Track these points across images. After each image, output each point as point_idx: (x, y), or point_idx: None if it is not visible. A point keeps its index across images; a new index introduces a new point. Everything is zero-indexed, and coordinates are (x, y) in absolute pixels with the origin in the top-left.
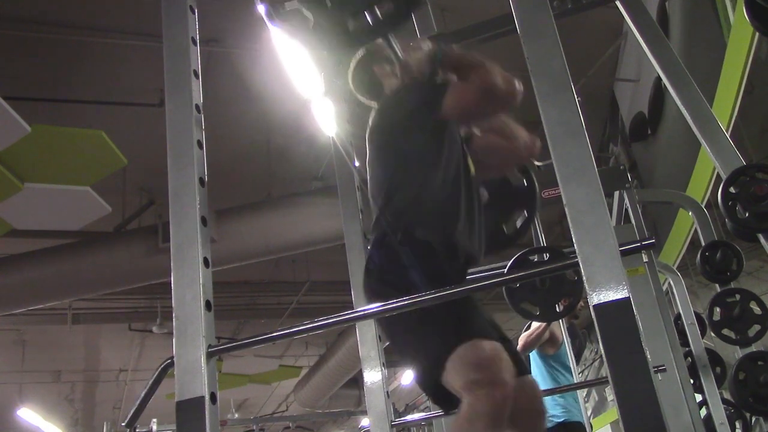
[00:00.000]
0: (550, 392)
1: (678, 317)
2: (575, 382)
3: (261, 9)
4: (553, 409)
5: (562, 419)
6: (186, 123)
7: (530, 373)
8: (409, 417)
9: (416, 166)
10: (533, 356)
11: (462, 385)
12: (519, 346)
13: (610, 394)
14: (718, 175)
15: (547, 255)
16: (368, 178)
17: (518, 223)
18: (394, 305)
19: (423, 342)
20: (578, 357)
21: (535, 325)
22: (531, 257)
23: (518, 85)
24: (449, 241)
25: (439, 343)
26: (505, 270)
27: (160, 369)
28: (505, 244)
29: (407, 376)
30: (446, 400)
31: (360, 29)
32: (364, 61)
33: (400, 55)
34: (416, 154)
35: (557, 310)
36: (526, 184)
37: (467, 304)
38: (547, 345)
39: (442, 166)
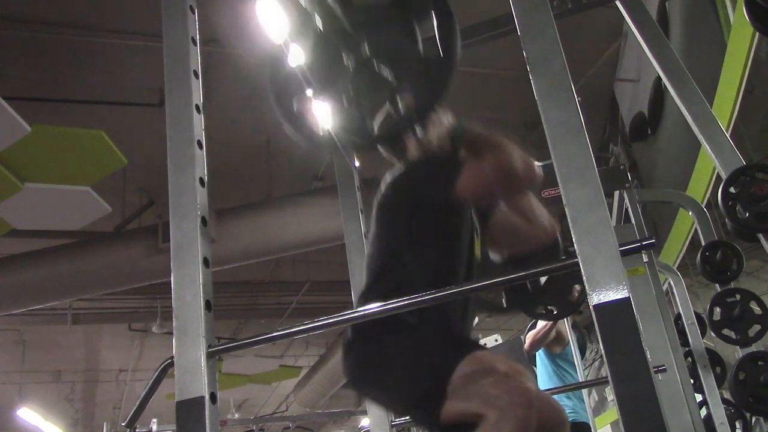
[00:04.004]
0: (555, 391)
1: (678, 317)
2: (580, 380)
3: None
4: None
5: (570, 420)
6: (186, 123)
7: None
8: None
9: (418, 246)
10: (539, 356)
11: (479, 404)
12: (526, 345)
13: (610, 394)
14: (718, 175)
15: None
16: (368, 250)
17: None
18: (394, 305)
19: (408, 375)
20: (581, 353)
21: (541, 323)
22: None
23: (538, 169)
24: (440, 324)
25: (432, 370)
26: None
27: (160, 369)
28: (528, 302)
29: None
30: None
31: (380, 131)
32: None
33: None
34: (421, 233)
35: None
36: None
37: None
38: (553, 344)
39: (446, 249)
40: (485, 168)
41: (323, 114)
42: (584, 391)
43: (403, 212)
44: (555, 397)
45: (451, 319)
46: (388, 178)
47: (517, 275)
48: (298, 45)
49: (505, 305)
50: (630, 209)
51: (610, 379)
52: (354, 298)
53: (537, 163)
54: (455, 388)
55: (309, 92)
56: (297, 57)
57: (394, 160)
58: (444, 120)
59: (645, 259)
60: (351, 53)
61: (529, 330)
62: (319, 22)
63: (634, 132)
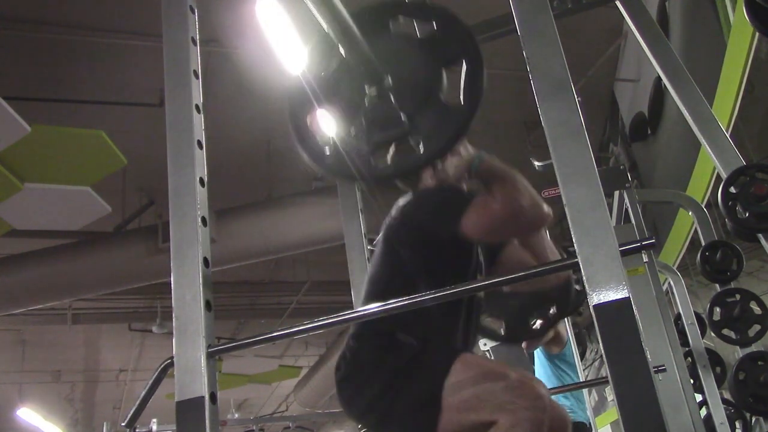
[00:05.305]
0: (555, 392)
1: (678, 317)
2: (580, 380)
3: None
4: None
5: None
6: (186, 123)
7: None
8: None
9: (420, 276)
10: (538, 355)
11: (490, 411)
12: (524, 344)
13: (610, 394)
14: (718, 175)
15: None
16: (370, 272)
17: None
18: (394, 305)
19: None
20: (581, 355)
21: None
22: None
23: (547, 210)
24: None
25: (428, 387)
26: None
27: (160, 369)
28: (530, 335)
29: None
30: None
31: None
32: None
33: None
34: (423, 263)
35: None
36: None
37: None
38: (552, 344)
39: (449, 281)
40: (492, 205)
41: (333, 137)
42: (584, 391)
43: (408, 241)
44: (552, 397)
45: (454, 346)
46: (400, 201)
47: (516, 275)
48: (319, 65)
49: (503, 334)
50: (630, 209)
51: (610, 379)
52: (353, 297)
53: (545, 206)
54: (452, 395)
55: (323, 112)
56: (317, 75)
57: (406, 188)
58: (463, 150)
59: (645, 259)
60: (372, 83)
61: None
62: (343, 49)
63: (634, 132)
